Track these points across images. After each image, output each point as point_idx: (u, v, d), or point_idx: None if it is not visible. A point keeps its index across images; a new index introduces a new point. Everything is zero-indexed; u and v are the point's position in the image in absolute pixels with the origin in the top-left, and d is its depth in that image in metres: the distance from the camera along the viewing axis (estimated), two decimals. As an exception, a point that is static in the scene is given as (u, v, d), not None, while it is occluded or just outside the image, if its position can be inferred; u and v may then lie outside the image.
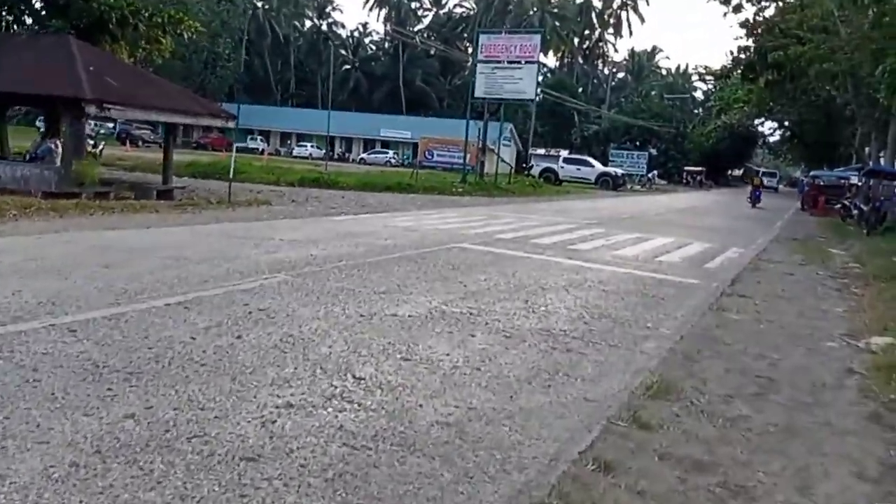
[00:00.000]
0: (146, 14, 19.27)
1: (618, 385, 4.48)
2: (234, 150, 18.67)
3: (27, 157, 19.53)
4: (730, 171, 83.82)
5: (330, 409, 3.58)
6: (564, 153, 53.20)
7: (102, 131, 64.33)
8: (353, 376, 4.12)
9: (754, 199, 31.15)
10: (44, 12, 18.75)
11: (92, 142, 34.46)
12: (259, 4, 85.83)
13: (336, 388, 3.90)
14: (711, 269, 10.33)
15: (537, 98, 78.55)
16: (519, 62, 28.83)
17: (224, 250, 8.15)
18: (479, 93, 29.83)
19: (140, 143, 58.35)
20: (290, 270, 7.13)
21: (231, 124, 18.78)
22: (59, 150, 18.91)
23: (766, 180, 49.89)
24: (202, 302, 5.50)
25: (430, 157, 31.60)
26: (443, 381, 4.22)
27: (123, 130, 61.10)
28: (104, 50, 19.82)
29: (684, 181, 61.76)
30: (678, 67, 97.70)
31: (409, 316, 5.69)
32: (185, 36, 21.37)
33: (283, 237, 9.75)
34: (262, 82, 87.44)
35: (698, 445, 3.65)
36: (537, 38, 29.44)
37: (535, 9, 78.53)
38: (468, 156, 31.36)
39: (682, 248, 12.65)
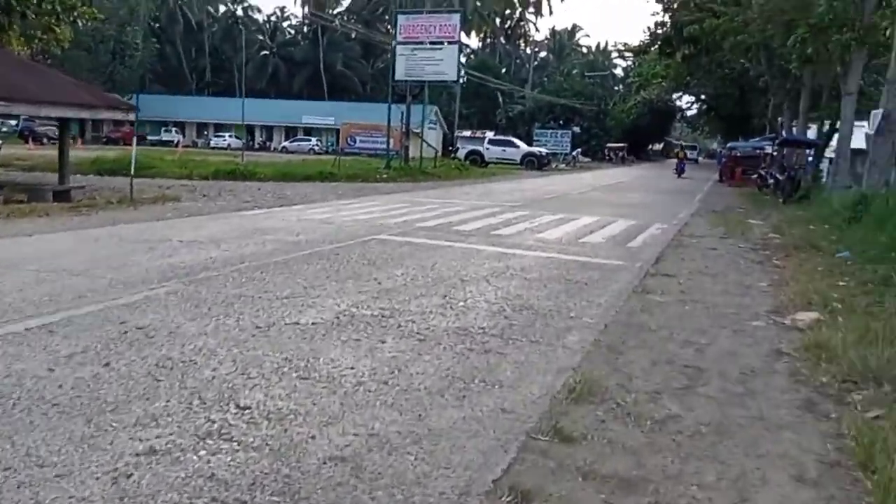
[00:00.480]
0: (34, 0, 17.79)
1: (538, 389, 4.09)
2: (135, 143, 17.46)
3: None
4: (650, 146, 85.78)
5: (202, 453, 3.04)
6: (490, 135, 53.20)
7: (4, 129, 60.72)
8: (237, 406, 3.58)
9: (680, 171, 31.97)
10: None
11: (-10, 141, 32.31)
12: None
13: (214, 422, 3.35)
14: (635, 247, 10.14)
15: (461, 80, 78.44)
16: (439, 43, 28.28)
17: (110, 258, 7.39)
18: (399, 75, 29.16)
19: (45, 140, 55.15)
20: (182, 278, 6.47)
21: (131, 116, 17.59)
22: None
23: (687, 153, 52.23)
24: (71, 323, 4.82)
25: (352, 143, 30.81)
26: (343, 402, 3.73)
27: (26, 128, 57.72)
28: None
29: (607, 158, 62.67)
30: (598, 45, 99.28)
31: (313, 323, 5.16)
32: (80, 23, 19.78)
33: (183, 238, 9.01)
34: (176, 71, 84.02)
35: (626, 458, 3.29)
36: (457, 18, 28.91)
37: (455, -10, 77.75)
38: (392, 141, 30.69)
39: (606, 228, 12.48)
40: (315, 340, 4.76)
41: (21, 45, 29.74)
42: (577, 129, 70.46)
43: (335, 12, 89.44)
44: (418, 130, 64.38)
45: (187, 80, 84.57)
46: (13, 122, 61.30)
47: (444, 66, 28.37)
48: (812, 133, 29.42)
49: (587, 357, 4.76)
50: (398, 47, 28.91)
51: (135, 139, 18.13)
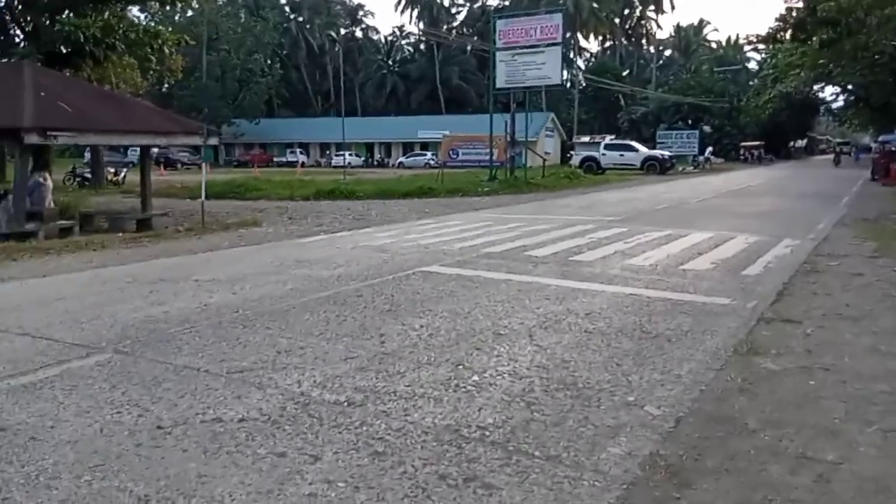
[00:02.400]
0: (120, 31, 17.85)
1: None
2: (205, 168, 17.04)
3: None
4: (791, 144, 78.82)
5: None
6: (610, 138, 50.28)
7: (135, 157, 64.89)
8: None
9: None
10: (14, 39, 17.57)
11: (113, 169, 33.96)
12: (292, 17, 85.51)
13: None
14: (752, 276, 7.95)
15: (580, 84, 75.81)
16: (541, 45, 26.49)
17: (91, 308, 6.31)
18: (500, 83, 27.62)
19: (178, 165, 58.33)
20: (137, 340, 5.21)
21: (213, 141, 17.13)
22: (49, 183, 17.70)
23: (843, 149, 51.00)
24: (-83, 423, 3.61)
25: (455, 156, 29.50)
26: None
27: (161, 154, 61.18)
28: (79, 76, 18.61)
29: (742, 157, 57.85)
30: (728, 39, 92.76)
31: (241, 420, 3.68)
32: (166, 50, 19.77)
33: (204, 276, 7.88)
34: (301, 94, 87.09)
35: None
36: (559, 17, 26.96)
37: (570, -8, 75.28)
38: (496, 151, 29.09)
39: (721, 247, 10.24)
40: (219, 455, 3.26)
41: (134, 78, 31.04)
42: (707, 129, 65.87)
43: (451, 26, 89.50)
44: (534, 139, 62.83)
45: (312, 103, 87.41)
46: (154, 150, 65.25)
47: (548, 69, 26.52)
48: None
49: (626, 498, 2.95)
50: (498, 54, 27.36)
51: (205, 165, 17.68)
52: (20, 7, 16.54)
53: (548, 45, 26.45)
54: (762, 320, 5.94)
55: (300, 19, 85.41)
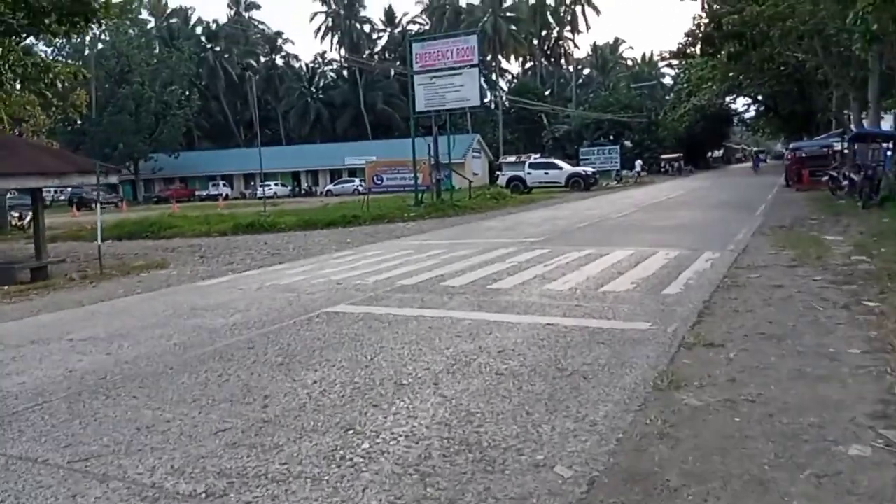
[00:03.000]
0: (7, 64, 16.62)
1: None
2: (99, 209, 16.04)
3: None
4: (710, 153, 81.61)
5: None
6: (535, 157, 50.68)
7: (62, 198, 61.86)
8: None
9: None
10: None
11: (17, 213, 31.99)
12: (209, 47, 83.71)
13: None
14: (671, 296, 7.65)
15: (503, 105, 76.58)
16: (458, 68, 26.36)
17: (-70, 384, 5.44)
18: (420, 106, 27.33)
19: (93, 205, 55.54)
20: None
21: (113, 179, 16.11)
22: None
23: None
24: None
25: (379, 181, 29.04)
26: None
27: (75, 194, 58.51)
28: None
29: (663, 169, 59.36)
30: (643, 56, 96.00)
31: (65, 530, 3.00)
32: (59, 84, 18.58)
33: (84, 334, 7.05)
34: (223, 125, 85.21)
35: None
36: (474, 40, 26.92)
37: (487, 15, 76.44)
38: (420, 175, 28.75)
39: (642, 264, 9.99)
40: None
41: (35, 114, 29.36)
42: (628, 143, 67.47)
43: (373, 51, 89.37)
44: (461, 161, 62.87)
45: (234, 134, 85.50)
46: (68, 190, 62.33)
47: (466, 91, 26.39)
48: (888, 124, 26.05)
49: None
50: (416, 77, 27.09)
51: (98, 204, 16.59)
52: None
53: (465, 67, 26.33)
54: (683, 346, 5.58)
55: (217, 49, 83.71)
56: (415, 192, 27.78)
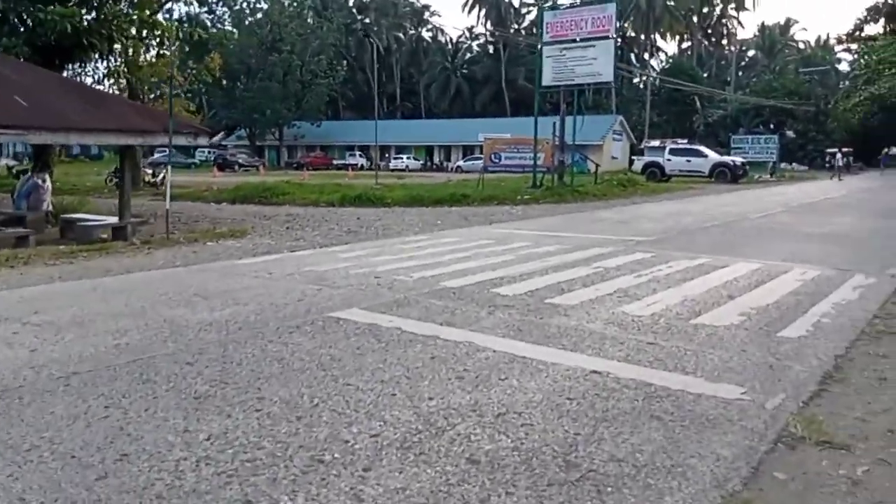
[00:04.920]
0: (116, 22, 16.47)
1: None
2: (168, 170, 15.51)
3: (13, 195, 17.45)
4: (886, 151, 72.54)
5: None
6: (683, 143, 46.66)
7: (201, 158, 65.26)
8: None
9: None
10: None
11: (150, 170, 33.27)
12: (359, 18, 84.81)
13: None
14: (790, 341, 5.47)
15: (651, 85, 71.97)
16: (591, 39, 23.97)
17: None
18: (546, 80, 25.26)
19: (236, 167, 57.79)
20: None
21: (202, 140, 15.51)
22: (47, 184, 16.51)
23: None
24: None
25: (497, 160, 27.23)
26: None
27: (219, 156, 61.23)
28: (85, 71, 17.41)
29: (827, 165, 53.10)
30: (818, 39, 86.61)
31: None
32: (167, 42, 18.35)
33: (49, 316, 6.01)
34: (366, 96, 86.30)
35: None
36: (611, 8, 24.29)
37: (643, -11, 71.64)
38: (542, 156, 26.68)
39: (765, 286, 7.71)
40: None
41: (164, 74, 30.11)
42: (790, 134, 61.27)
43: (520, 27, 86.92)
44: (600, 143, 59.69)
45: (376, 105, 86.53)
46: (205, 151, 65.59)
47: (599, 65, 23.96)
48: None
49: None
50: (544, 49, 25.01)
51: (168, 167, 16.05)
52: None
53: (599, 39, 23.91)
54: (783, 441, 3.56)
55: (366, 20, 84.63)
56: (533, 173, 25.81)
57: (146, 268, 9.12)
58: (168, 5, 34.41)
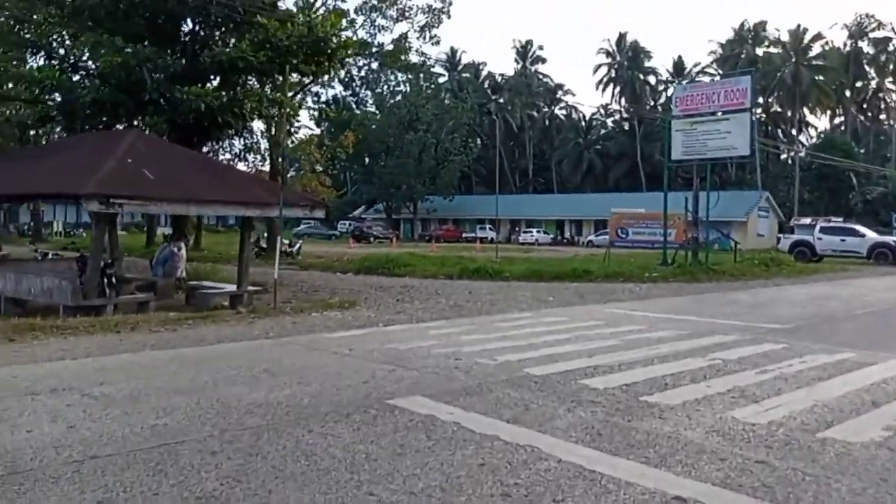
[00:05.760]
0: (244, 100, 17.49)
1: None
2: (279, 245, 15.77)
3: (151, 262, 18.61)
4: None
5: None
6: (837, 220, 42.92)
7: (341, 230, 68.27)
8: None
9: None
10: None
11: (287, 241, 34.86)
12: (493, 97, 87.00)
13: None
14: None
15: (800, 161, 67.82)
16: (725, 112, 22.69)
17: None
18: (676, 154, 24.08)
19: (372, 239, 59.74)
20: None
21: (319, 213, 15.82)
22: (182, 252, 17.49)
23: None
24: None
25: (623, 235, 26.12)
26: None
27: (356, 228, 63.85)
28: (218, 146, 18.53)
29: None
30: None
31: None
32: (289, 120, 19.20)
33: (106, 389, 5.88)
34: (499, 172, 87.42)
35: None
36: (747, 81, 22.96)
37: (787, 64, 68.55)
38: (673, 232, 25.26)
39: (921, 391, 6.33)
40: None
41: (312, 152, 31.78)
42: (969, 210, 55.15)
43: (654, 104, 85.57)
44: (744, 219, 56.39)
45: (509, 180, 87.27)
46: (346, 223, 68.68)
47: (733, 138, 22.53)
48: None
49: None
50: (674, 123, 23.96)
51: (279, 239, 16.30)
52: (155, 77, 16.67)
53: (733, 112, 22.58)
54: None
55: (501, 100, 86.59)
56: (664, 249, 24.39)
57: (239, 338, 9.03)
58: (316, 89, 36.96)
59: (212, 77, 19.26)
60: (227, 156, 25.64)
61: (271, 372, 6.61)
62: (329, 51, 18.05)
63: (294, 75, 22.91)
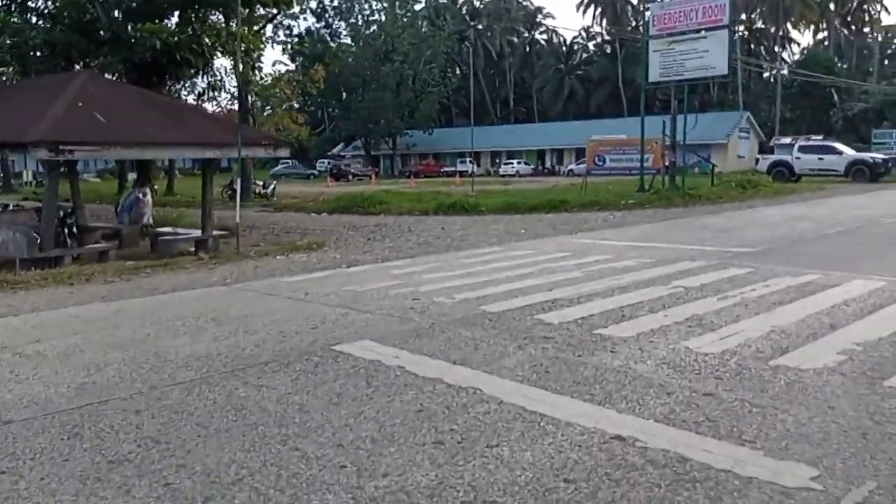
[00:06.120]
0: (202, 36, 16.72)
1: None
2: (239, 186, 15.30)
3: (116, 208, 18.14)
4: None
5: None
6: (817, 139, 42.65)
7: (320, 169, 67.34)
8: None
9: None
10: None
11: (261, 182, 34.21)
12: (471, 24, 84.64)
13: None
14: (904, 397, 4.14)
15: (781, 79, 66.98)
16: (702, 30, 22.08)
17: None
18: (653, 76, 23.51)
19: (350, 177, 58.94)
20: None
21: (283, 152, 15.34)
22: (148, 198, 17.02)
23: None
24: None
25: (601, 162, 25.79)
26: None
27: (334, 167, 62.93)
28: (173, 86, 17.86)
29: None
30: (980, 18, 77.25)
31: None
32: (252, 57, 18.49)
33: (42, 346, 5.65)
34: (479, 103, 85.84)
35: None
36: (726, -4, 22.25)
37: (772, -23, 66.83)
38: (650, 157, 24.93)
39: (882, 311, 6.24)
40: None
41: (285, 88, 30.84)
42: (948, 125, 54.97)
43: (638, 24, 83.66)
44: (725, 141, 56.02)
45: (490, 111, 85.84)
46: (327, 162, 67.82)
47: (712, 57, 21.98)
48: None
49: None
50: (651, 42, 23.33)
51: (238, 184, 15.88)
52: (110, 15, 15.87)
53: (711, 30, 21.97)
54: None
55: (479, 27, 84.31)
56: (640, 175, 24.13)
57: (195, 286, 8.79)
58: (288, 22, 35.63)
59: (171, 13, 18.39)
60: (192, 97, 24.73)
61: (218, 321, 6.39)
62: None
63: (260, 8, 21.98)
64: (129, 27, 15.34)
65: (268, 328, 6.05)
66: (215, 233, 14.07)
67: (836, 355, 4.92)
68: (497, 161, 67.29)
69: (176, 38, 16.08)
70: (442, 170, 65.56)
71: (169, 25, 16.82)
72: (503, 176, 58.66)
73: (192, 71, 18.75)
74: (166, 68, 17.89)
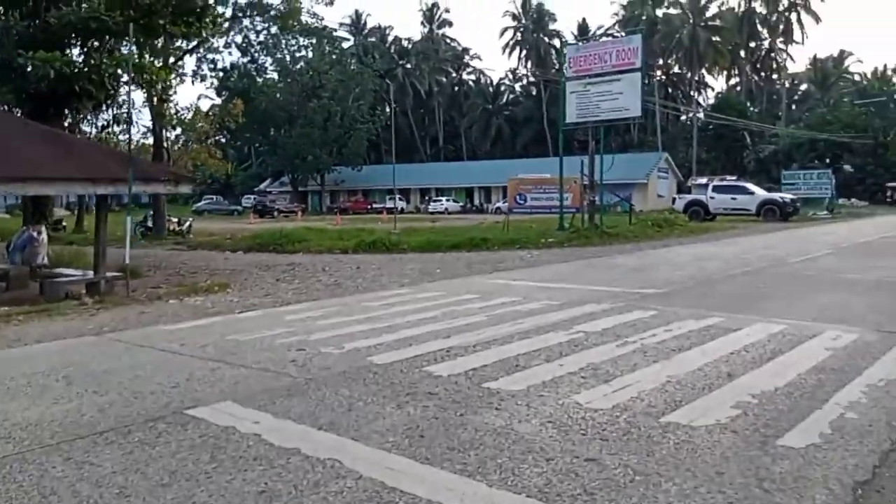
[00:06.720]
0: (102, 66, 15.87)
1: None
2: (129, 224, 14.45)
3: (8, 247, 16.83)
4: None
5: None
6: (731, 179, 44.30)
7: (244, 206, 65.77)
8: None
9: None
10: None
11: (176, 219, 32.83)
12: (400, 63, 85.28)
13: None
14: (793, 455, 3.84)
15: (697, 122, 69.88)
16: (617, 73, 22.56)
17: None
18: (571, 117, 23.87)
19: (276, 213, 57.65)
20: None
21: (184, 188, 14.59)
22: (42, 237, 15.80)
23: None
24: None
25: (522, 201, 25.90)
26: None
27: (259, 202, 61.61)
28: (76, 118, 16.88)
29: (888, 199, 49.96)
30: (875, 70, 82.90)
31: None
32: (156, 88, 17.72)
33: None
34: (408, 141, 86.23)
35: None
36: (637, 40, 22.89)
37: (685, 25, 70.16)
38: (569, 196, 25.18)
39: (780, 358, 6.06)
40: None
41: (207, 123, 29.90)
42: (848, 168, 58.28)
43: (559, 67, 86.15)
44: (644, 181, 57.61)
45: (419, 148, 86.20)
46: (253, 198, 66.36)
47: (625, 99, 22.46)
48: None
49: None
50: (568, 84, 23.69)
51: (129, 222, 15.01)
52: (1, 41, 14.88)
53: (624, 72, 22.47)
54: None
55: (408, 66, 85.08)
56: (560, 214, 24.28)
57: (64, 335, 7.97)
58: (212, 56, 34.74)
59: (74, 42, 17.44)
60: (94, 130, 23.57)
61: (69, 379, 5.68)
62: (197, 9, 16.62)
63: (179, 39, 21.17)
64: (20, 55, 14.35)
65: (122, 387, 5.38)
66: (109, 274, 13.12)
67: (730, 409, 4.65)
68: (427, 198, 67.41)
69: (73, 68, 15.16)
70: (371, 206, 65.20)
71: (70, 55, 15.90)
72: (432, 213, 58.73)
73: (94, 103, 17.76)
74: (65, 100, 16.89)
